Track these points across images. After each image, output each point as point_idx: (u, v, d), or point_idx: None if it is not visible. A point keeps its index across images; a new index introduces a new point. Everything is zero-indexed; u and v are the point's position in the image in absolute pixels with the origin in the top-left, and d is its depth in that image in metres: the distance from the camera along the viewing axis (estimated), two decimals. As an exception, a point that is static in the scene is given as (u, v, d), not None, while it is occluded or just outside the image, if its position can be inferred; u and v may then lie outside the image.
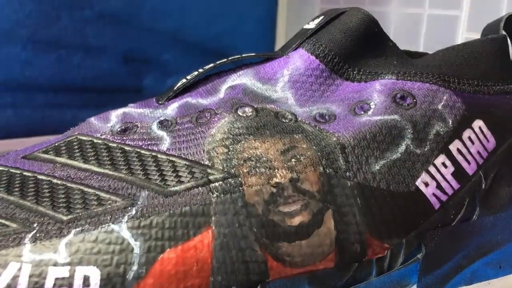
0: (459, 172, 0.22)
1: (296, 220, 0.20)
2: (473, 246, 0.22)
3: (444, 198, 0.22)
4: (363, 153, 0.21)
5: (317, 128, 0.22)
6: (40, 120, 0.40)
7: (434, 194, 0.22)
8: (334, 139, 0.21)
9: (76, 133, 0.23)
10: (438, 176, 0.22)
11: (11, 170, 0.21)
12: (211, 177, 0.20)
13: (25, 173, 0.21)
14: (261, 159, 0.20)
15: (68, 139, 0.23)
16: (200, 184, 0.20)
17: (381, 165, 0.21)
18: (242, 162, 0.20)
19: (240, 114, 0.22)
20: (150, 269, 0.18)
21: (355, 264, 0.21)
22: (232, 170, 0.20)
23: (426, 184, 0.22)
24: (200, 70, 0.24)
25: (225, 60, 0.24)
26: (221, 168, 0.20)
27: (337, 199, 0.20)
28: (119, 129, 0.22)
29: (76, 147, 0.22)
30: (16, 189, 0.20)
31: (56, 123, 0.41)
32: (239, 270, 0.19)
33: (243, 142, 0.21)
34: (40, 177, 0.20)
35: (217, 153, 0.21)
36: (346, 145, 0.21)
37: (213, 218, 0.19)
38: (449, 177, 0.22)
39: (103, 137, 0.22)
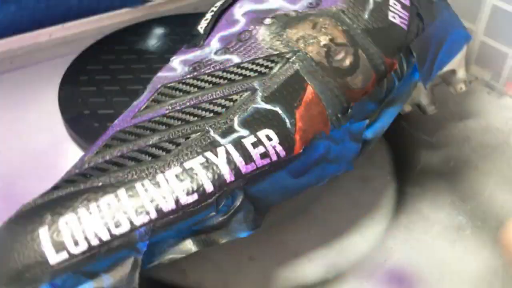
0: (404, 5, 0.33)
1: (347, 62, 0.29)
2: (436, 40, 0.34)
3: (406, 22, 0.32)
4: (355, 11, 0.31)
5: (315, 10, 0.31)
6: (46, 11, 0.39)
7: (400, 21, 0.32)
8: (334, 9, 0.31)
9: (159, 86, 0.29)
10: (397, 8, 0.32)
11: (150, 125, 0.27)
12: (287, 56, 0.28)
13: (158, 118, 0.27)
14: (305, 36, 0.29)
15: (157, 92, 0.29)
16: (284, 63, 0.28)
17: (367, 14, 0.31)
18: (295, 42, 0.29)
19: (266, 23, 0.30)
20: (297, 117, 0.26)
21: (385, 80, 0.30)
22: (294, 48, 0.29)
23: (394, 17, 0.32)
24: (214, 9, 0.32)
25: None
26: (287, 50, 0.28)
27: (359, 42, 0.30)
28: (191, 69, 0.29)
29: (169, 91, 0.28)
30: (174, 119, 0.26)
31: (62, 11, 0.39)
32: (336, 103, 0.28)
33: (285, 33, 0.29)
34: (173, 114, 0.27)
35: (276, 46, 0.29)
36: (344, 10, 0.31)
37: (305, 77, 0.28)
38: (401, 9, 0.33)
39: (184, 78, 0.29)
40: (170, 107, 0.27)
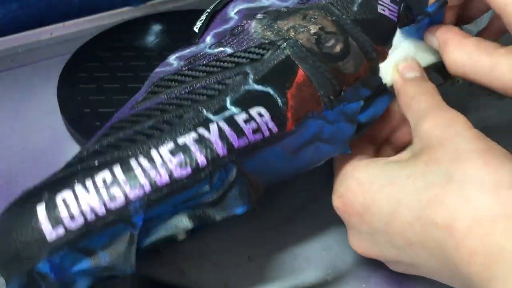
0: None
1: (338, 48, 0.30)
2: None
3: (395, 14, 0.33)
4: (343, 3, 0.32)
5: (305, 5, 0.32)
6: (47, 9, 0.38)
7: (390, 13, 0.33)
8: (323, 2, 0.31)
9: (155, 80, 0.29)
10: (386, 1, 0.33)
11: (146, 112, 0.27)
12: (278, 43, 0.29)
13: (155, 106, 0.27)
14: (295, 26, 0.30)
15: (154, 85, 0.29)
16: (275, 49, 0.29)
17: (356, 6, 0.32)
18: (286, 31, 0.30)
19: (258, 17, 0.31)
20: (289, 97, 0.26)
21: (378, 67, 0.31)
22: (285, 36, 0.29)
23: (383, 10, 0.33)
24: (208, 10, 0.33)
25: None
26: (278, 38, 0.29)
27: (348, 30, 0.31)
28: (186, 63, 0.30)
29: (165, 83, 0.29)
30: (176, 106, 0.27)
31: (63, 9, 0.38)
32: (328, 85, 0.28)
33: (276, 25, 0.30)
34: (169, 101, 0.27)
35: (267, 35, 0.30)
36: (333, 2, 0.31)
37: (296, 62, 0.28)
38: (389, 3, 0.34)
39: (179, 71, 0.29)
40: (166, 96, 0.28)
